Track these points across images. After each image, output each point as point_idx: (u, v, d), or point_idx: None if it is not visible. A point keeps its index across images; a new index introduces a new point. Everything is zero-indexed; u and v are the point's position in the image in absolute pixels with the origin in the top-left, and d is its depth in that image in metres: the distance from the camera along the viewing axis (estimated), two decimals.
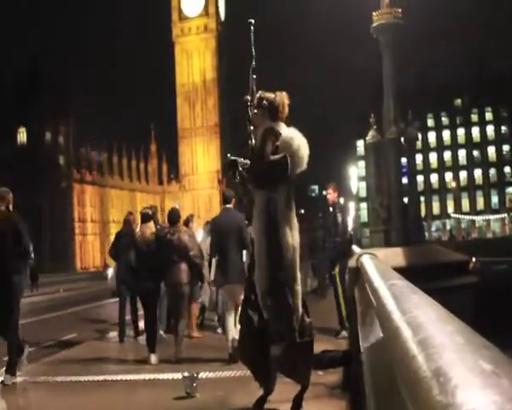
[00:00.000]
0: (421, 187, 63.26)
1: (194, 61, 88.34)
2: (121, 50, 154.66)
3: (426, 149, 75.92)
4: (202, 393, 5.11)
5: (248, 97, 4.21)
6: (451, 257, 13.90)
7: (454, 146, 79.96)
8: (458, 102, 79.19)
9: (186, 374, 5.21)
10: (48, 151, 68.98)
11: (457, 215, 78.30)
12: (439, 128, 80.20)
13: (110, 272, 25.04)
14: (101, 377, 6.19)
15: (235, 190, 6.56)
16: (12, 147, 67.10)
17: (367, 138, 15.23)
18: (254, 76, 4.23)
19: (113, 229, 60.98)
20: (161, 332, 8.36)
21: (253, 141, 4.16)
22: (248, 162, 4.14)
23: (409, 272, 3.67)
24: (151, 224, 7.37)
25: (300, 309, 4.05)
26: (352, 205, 53.88)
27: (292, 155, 3.96)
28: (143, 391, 5.74)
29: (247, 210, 5.91)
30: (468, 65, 78.28)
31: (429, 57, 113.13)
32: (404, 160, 14.81)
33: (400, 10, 13.94)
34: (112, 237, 12.11)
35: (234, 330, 6.31)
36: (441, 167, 79.73)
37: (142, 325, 8.30)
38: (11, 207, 6.23)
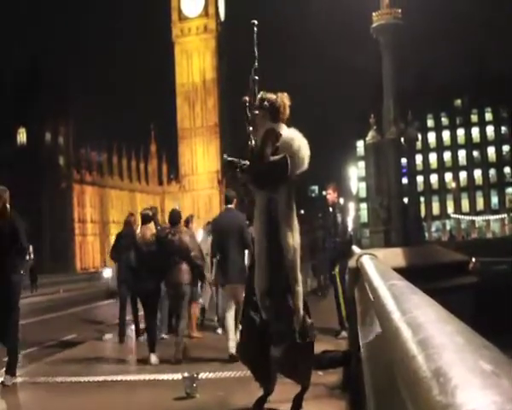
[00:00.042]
0: (420, 187, 63.21)
1: (194, 61, 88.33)
2: (121, 50, 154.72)
3: (426, 150, 75.88)
4: (202, 393, 5.11)
5: (247, 98, 4.19)
6: (451, 257, 13.89)
7: (454, 146, 79.91)
8: (458, 102, 79.13)
9: (186, 374, 5.22)
10: (48, 151, 68.90)
11: (457, 216, 78.27)
12: (438, 128, 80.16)
13: (106, 272, 25.05)
14: (101, 378, 6.20)
15: (236, 190, 6.57)
16: (12, 147, 67.01)
17: (367, 139, 15.22)
18: (256, 77, 4.22)
19: (113, 229, 61.06)
20: (163, 335, 8.36)
21: (253, 142, 4.15)
22: (247, 163, 4.14)
23: (409, 273, 3.67)
24: (151, 225, 7.37)
25: (302, 310, 4.04)
26: (351, 205, 53.89)
27: (292, 156, 3.95)
28: (143, 391, 5.74)
29: (248, 210, 5.91)
30: (468, 65, 78.41)
31: (429, 58, 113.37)
32: (403, 160, 14.80)
33: (400, 11, 13.94)
34: (112, 238, 12.11)
35: (234, 331, 6.32)
36: (441, 168, 79.71)
37: (142, 325, 8.31)
38: (8, 205, 6.22)
